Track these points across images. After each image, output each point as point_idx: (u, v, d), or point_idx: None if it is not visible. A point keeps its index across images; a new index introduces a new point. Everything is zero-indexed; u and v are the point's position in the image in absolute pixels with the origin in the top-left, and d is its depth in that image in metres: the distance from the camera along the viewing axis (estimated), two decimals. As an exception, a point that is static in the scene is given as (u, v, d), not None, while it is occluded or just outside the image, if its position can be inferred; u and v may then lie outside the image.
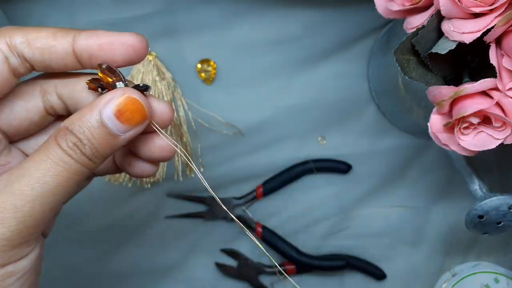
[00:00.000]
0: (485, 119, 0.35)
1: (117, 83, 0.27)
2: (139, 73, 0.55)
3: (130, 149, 0.30)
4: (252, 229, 0.57)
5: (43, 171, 0.24)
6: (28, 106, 0.29)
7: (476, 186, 0.47)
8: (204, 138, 0.57)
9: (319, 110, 0.59)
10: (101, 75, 0.27)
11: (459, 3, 0.32)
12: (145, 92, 0.27)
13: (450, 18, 0.33)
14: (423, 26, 0.34)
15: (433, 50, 0.34)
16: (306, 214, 0.59)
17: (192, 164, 0.30)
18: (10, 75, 0.27)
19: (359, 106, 0.59)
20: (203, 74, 0.57)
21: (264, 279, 0.59)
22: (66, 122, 0.26)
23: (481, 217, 0.44)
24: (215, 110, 0.57)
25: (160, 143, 0.29)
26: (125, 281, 0.58)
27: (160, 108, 0.28)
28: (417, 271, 0.60)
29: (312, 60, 0.58)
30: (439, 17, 0.34)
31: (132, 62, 0.28)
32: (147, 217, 0.59)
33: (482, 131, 0.36)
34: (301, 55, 0.58)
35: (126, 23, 0.56)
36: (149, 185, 0.57)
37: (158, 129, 0.28)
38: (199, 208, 0.58)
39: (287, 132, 0.59)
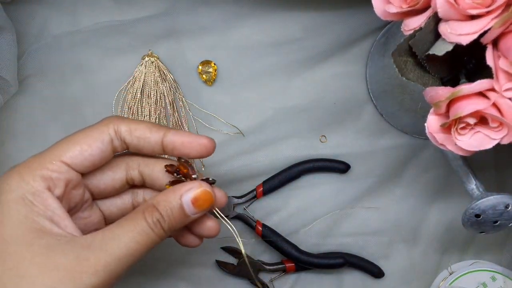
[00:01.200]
0: (482, 120, 0.35)
1: (192, 175, 0.35)
2: (142, 74, 0.55)
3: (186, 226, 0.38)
4: (252, 227, 0.58)
5: (129, 238, 0.31)
6: (115, 177, 0.37)
7: (473, 185, 0.47)
8: (205, 138, 0.58)
9: (318, 110, 0.59)
10: (180, 167, 0.35)
11: (456, 5, 0.32)
12: (212, 184, 0.36)
13: (447, 20, 0.33)
14: (421, 28, 0.34)
15: (430, 52, 0.35)
16: (306, 213, 0.60)
17: (238, 238, 0.38)
18: (110, 153, 0.35)
19: (358, 106, 0.60)
20: (204, 75, 0.57)
21: (264, 277, 0.59)
22: (154, 201, 0.33)
23: (478, 216, 0.45)
24: (215, 110, 0.57)
25: (210, 224, 0.38)
26: (127, 279, 0.58)
27: (218, 195, 0.37)
28: (414, 269, 0.60)
29: (311, 61, 0.58)
30: (436, 19, 0.34)
31: (202, 156, 0.37)
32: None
33: (478, 131, 0.36)
34: (301, 56, 0.58)
35: (128, 25, 0.56)
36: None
37: (218, 213, 0.37)
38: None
39: (287, 132, 0.59)
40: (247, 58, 0.58)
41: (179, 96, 0.57)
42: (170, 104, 0.56)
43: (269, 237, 0.57)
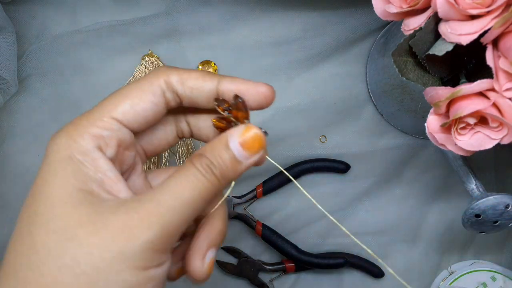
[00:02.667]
0: (482, 120, 0.35)
1: (245, 119, 0.32)
2: (141, 74, 0.55)
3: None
4: (252, 227, 0.58)
5: (181, 186, 0.28)
6: (167, 129, 0.35)
7: (473, 185, 0.47)
8: (205, 138, 0.58)
9: (318, 110, 0.59)
10: (233, 107, 0.32)
11: (456, 5, 0.32)
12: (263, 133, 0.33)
13: (447, 20, 0.33)
14: (421, 28, 0.34)
15: (430, 52, 0.35)
16: (306, 213, 0.60)
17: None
18: (163, 107, 0.32)
19: (358, 106, 0.60)
20: (204, 75, 0.57)
21: (264, 277, 0.59)
22: (200, 150, 0.31)
23: (478, 216, 0.45)
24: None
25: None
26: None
27: None
28: (414, 269, 0.60)
29: (311, 61, 0.58)
30: (436, 19, 0.34)
31: (261, 107, 0.33)
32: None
33: (478, 131, 0.36)
34: (301, 56, 0.58)
35: (128, 25, 0.56)
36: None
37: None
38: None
39: (287, 132, 0.59)
40: (247, 58, 0.58)
41: (179, 96, 0.57)
42: (170, 104, 0.56)
43: (269, 237, 0.57)
